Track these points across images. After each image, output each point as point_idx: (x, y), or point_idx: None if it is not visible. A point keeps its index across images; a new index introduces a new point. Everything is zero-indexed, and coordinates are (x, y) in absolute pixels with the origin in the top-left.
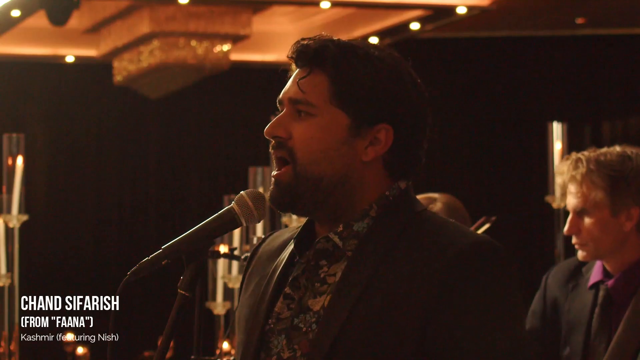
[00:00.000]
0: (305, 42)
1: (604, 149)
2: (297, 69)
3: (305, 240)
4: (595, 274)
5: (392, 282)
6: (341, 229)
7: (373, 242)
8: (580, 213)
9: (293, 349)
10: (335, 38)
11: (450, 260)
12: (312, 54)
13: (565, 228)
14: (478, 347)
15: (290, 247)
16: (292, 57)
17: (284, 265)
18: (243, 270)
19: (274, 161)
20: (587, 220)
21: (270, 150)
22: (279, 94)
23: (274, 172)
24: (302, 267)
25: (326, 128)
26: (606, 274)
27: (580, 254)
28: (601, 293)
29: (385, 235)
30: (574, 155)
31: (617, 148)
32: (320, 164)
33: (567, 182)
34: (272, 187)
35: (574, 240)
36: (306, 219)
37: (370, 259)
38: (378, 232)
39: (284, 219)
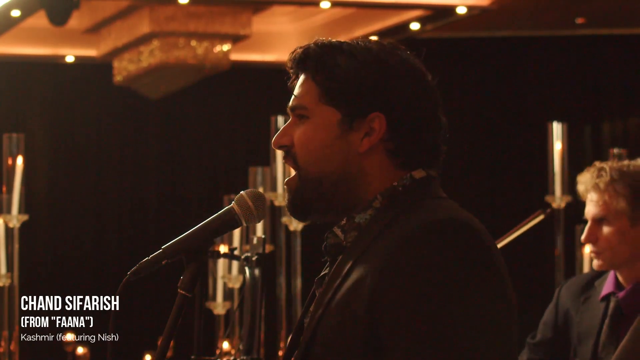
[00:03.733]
0: (294, 51)
1: (626, 161)
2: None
3: None
4: (607, 286)
5: (361, 269)
6: (344, 221)
7: (368, 232)
8: (599, 221)
9: None
10: (326, 39)
11: (399, 240)
12: (298, 59)
13: (583, 236)
14: (414, 332)
15: None
16: (289, 67)
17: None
18: (242, 271)
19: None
20: (606, 229)
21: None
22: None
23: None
24: (327, 265)
25: (319, 127)
26: (618, 286)
27: (596, 263)
28: (611, 304)
29: (379, 225)
30: (597, 164)
31: None
32: (318, 164)
33: (590, 189)
34: (287, 197)
35: (590, 248)
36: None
37: (358, 249)
38: (375, 223)
39: (284, 219)
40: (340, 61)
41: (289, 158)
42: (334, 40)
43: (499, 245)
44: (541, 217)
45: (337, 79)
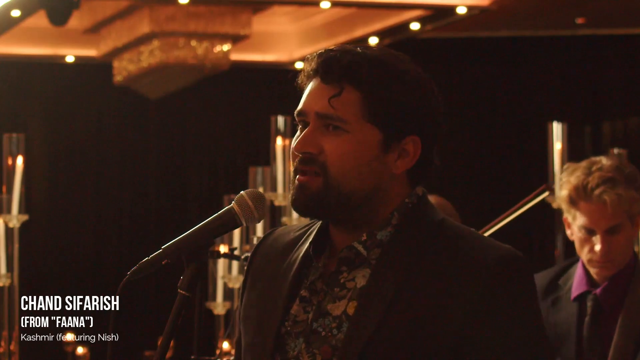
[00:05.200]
0: (333, 55)
1: (602, 161)
2: (321, 82)
3: (320, 243)
4: (578, 284)
5: (422, 293)
6: (365, 238)
7: (397, 251)
8: (614, 230)
9: (312, 353)
10: (359, 49)
11: (484, 275)
12: (343, 71)
13: (603, 251)
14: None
15: (302, 247)
16: (317, 71)
17: (297, 266)
18: (244, 269)
19: (298, 168)
20: (619, 236)
21: (296, 165)
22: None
23: (300, 177)
24: (319, 271)
25: (360, 144)
26: (591, 284)
27: (604, 274)
28: (590, 303)
29: (409, 245)
30: (597, 169)
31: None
32: (353, 180)
33: (607, 201)
34: (295, 190)
35: (603, 258)
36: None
37: (396, 268)
38: (401, 241)
39: (284, 219)
40: (389, 82)
41: (314, 166)
42: (372, 52)
43: (502, 225)
44: (546, 193)
45: (388, 100)
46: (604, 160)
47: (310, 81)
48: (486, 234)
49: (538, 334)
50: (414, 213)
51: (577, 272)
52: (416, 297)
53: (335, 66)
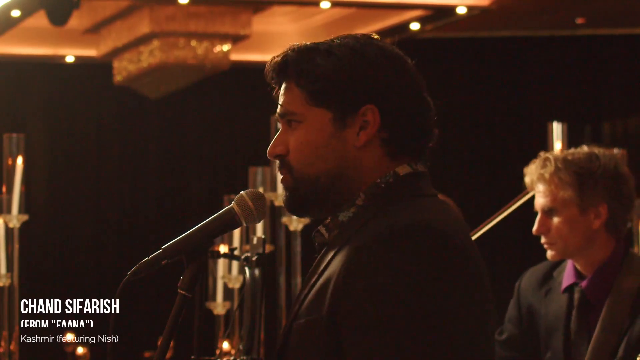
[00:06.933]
0: (270, 64)
1: (572, 149)
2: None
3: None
4: (567, 276)
5: (331, 268)
6: (328, 220)
7: (347, 230)
8: (548, 212)
9: None
10: (302, 43)
11: (362, 243)
12: (277, 69)
13: (534, 228)
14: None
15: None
16: (269, 78)
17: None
18: (242, 271)
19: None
20: (556, 219)
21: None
22: (277, 98)
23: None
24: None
25: (312, 129)
26: (579, 276)
27: (549, 254)
28: (576, 295)
29: (358, 223)
30: (542, 154)
31: (585, 148)
32: (314, 164)
33: (535, 181)
34: (283, 194)
35: (542, 240)
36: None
37: (335, 248)
38: (356, 221)
39: (284, 219)
40: (320, 61)
41: (284, 167)
42: (310, 43)
43: (493, 225)
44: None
45: (320, 79)
46: (581, 149)
47: None
48: (475, 236)
49: (420, 312)
50: (386, 193)
51: (568, 264)
52: (328, 271)
53: (272, 69)
